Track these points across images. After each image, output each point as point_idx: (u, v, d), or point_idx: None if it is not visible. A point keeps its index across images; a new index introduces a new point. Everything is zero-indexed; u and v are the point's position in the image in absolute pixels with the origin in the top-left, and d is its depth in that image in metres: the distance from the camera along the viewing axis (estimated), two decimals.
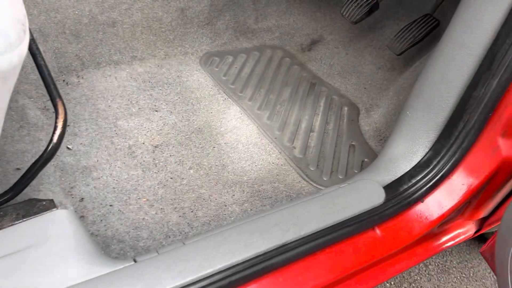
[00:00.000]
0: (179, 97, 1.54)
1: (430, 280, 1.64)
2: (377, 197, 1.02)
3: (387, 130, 1.49)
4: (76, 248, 0.79)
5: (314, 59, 1.86)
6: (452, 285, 1.67)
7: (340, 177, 1.34)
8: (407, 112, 1.14)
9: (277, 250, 0.88)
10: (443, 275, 1.67)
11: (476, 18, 0.97)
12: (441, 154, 1.04)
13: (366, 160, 1.41)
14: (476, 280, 1.69)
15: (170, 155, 1.33)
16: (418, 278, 1.64)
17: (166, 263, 0.82)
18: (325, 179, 1.33)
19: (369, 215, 0.99)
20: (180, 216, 1.17)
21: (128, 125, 1.39)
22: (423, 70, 1.12)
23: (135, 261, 0.83)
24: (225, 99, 1.57)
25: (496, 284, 1.69)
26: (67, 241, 0.79)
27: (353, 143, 1.47)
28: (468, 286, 1.67)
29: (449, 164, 1.03)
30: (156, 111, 1.46)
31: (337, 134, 1.50)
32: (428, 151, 1.08)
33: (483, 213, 1.15)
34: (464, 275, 1.71)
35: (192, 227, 1.14)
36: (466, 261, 1.75)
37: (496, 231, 1.04)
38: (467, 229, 1.20)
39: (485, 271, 1.73)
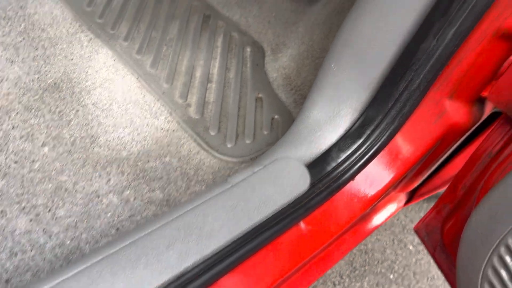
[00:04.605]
0: (23, 38, 1.11)
1: None
2: (301, 183, 0.78)
3: (299, 77, 1.24)
4: None
5: None
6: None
7: (248, 142, 1.08)
8: (330, 64, 0.89)
9: (171, 286, 0.61)
10: None
11: None
12: (376, 121, 0.82)
13: (276, 117, 1.15)
14: (385, 229, 1.62)
15: (13, 127, 0.94)
16: None
17: None
18: (229, 146, 1.06)
19: (293, 208, 0.76)
20: (31, 220, 0.83)
21: None
22: (352, 12, 0.86)
23: None
24: (91, 39, 1.17)
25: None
26: None
27: (260, 95, 1.20)
28: (378, 236, 1.60)
29: (386, 134, 0.82)
30: None
31: (240, 83, 1.21)
32: (360, 116, 0.85)
33: (417, 183, 0.99)
34: None
35: (50, 235, 0.81)
36: None
37: (432, 207, 0.89)
38: (397, 201, 1.04)
39: (393, 218, 1.66)
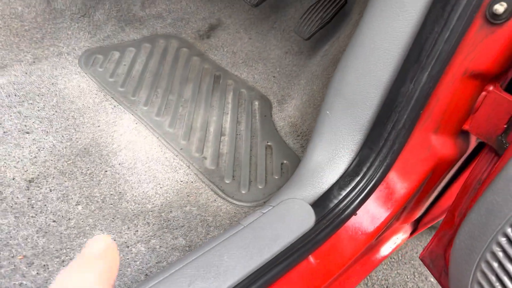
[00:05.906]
0: (56, 111, 1.26)
1: None
2: (307, 220, 0.87)
3: (304, 124, 1.35)
4: None
5: (215, 47, 1.66)
6: (383, 272, 1.61)
7: (260, 187, 1.18)
8: (326, 111, 1.00)
9: None
10: None
11: (397, 2, 0.83)
12: (371, 159, 0.91)
13: (285, 162, 1.25)
14: (405, 263, 1.66)
15: (50, 190, 1.07)
16: None
17: None
18: (243, 192, 1.16)
19: (301, 244, 0.84)
20: None
21: None
22: (340, 63, 0.97)
23: None
24: (114, 106, 1.32)
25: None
26: None
27: (269, 143, 1.31)
28: (398, 270, 1.63)
29: (381, 170, 0.90)
30: (28, 133, 1.17)
31: (250, 134, 1.32)
32: (356, 156, 0.94)
33: (418, 214, 1.06)
34: (393, 259, 1.67)
35: None
36: None
37: (434, 234, 0.95)
38: (403, 232, 1.10)
39: (412, 252, 1.70)
